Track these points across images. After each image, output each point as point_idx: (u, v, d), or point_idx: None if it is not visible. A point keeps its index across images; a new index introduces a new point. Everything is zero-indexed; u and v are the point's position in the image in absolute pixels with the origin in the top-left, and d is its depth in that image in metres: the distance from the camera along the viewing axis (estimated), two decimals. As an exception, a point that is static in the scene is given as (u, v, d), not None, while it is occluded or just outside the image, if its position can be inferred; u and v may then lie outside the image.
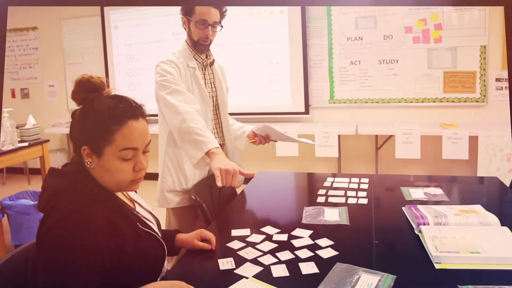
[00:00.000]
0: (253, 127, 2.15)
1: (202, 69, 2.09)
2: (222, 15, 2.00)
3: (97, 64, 5.22)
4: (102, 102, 1.14)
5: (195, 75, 2.03)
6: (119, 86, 5.09)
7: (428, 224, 1.48)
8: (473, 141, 3.62)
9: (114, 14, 5.05)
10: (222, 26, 2.03)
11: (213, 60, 2.12)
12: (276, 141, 2.15)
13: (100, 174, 1.15)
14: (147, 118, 1.21)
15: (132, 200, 1.31)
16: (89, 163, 1.14)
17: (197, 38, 2.00)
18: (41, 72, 5.64)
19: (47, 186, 1.13)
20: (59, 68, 5.52)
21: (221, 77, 2.15)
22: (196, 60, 2.06)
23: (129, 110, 1.15)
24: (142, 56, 5.03)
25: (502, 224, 1.45)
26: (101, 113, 1.12)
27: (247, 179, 2.23)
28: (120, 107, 1.14)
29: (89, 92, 1.15)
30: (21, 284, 1.24)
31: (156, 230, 1.29)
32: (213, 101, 2.10)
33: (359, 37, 4.28)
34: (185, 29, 2.05)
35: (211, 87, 2.11)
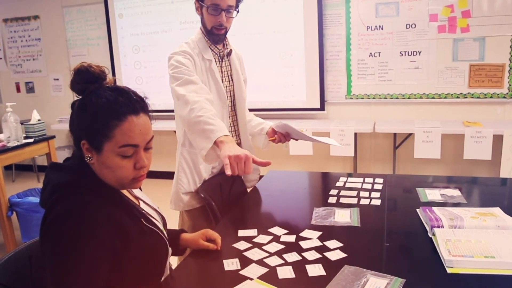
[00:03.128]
0: (273, 123, 2.13)
1: (219, 61, 2.05)
2: None
3: (102, 56, 5.32)
4: (101, 95, 1.13)
5: (211, 68, 2.00)
6: (126, 80, 5.18)
7: (443, 226, 1.52)
8: (497, 140, 3.61)
9: (118, 1, 5.13)
10: (238, 11, 1.96)
11: (231, 50, 2.08)
12: (297, 139, 2.10)
13: (101, 170, 1.16)
14: (150, 113, 1.21)
15: (137, 198, 1.35)
16: (88, 158, 1.15)
17: (210, 26, 1.94)
18: (45, 65, 5.77)
19: (48, 181, 1.16)
20: (63, 60, 5.64)
21: (239, 69, 2.12)
22: (212, 50, 2.02)
23: (129, 104, 1.14)
24: (149, 47, 5.11)
25: (521, 228, 1.48)
26: (100, 107, 1.12)
27: (261, 177, 2.28)
28: (119, 101, 1.13)
29: (88, 83, 1.15)
30: (25, 281, 1.29)
31: (161, 227, 1.33)
32: (230, 96, 2.09)
33: (380, 26, 4.27)
34: (199, 15, 2.00)
35: (229, 80, 2.09)
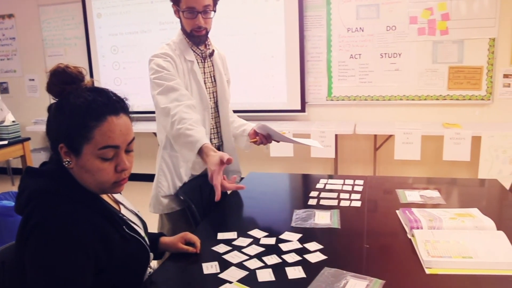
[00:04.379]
0: (254, 125, 2.13)
1: (201, 62, 2.04)
2: None
3: (80, 56, 5.25)
4: (79, 96, 1.11)
5: (193, 69, 1.99)
6: (104, 81, 5.12)
7: (422, 228, 1.54)
8: (476, 141, 3.69)
9: (96, 0, 5.06)
10: (215, 11, 1.95)
11: (213, 50, 2.07)
12: (278, 141, 2.08)
13: (80, 174, 1.13)
14: (131, 114, 1.19)
15: (117, 202, 1.33)
16: (67, 162, 1.12)
17: (189, 29, 1.94)
18: (20, 65, 5.66)
19: (25, 187, 1.13)
20: (39, 61, 5.54)
21: (222, 69, 2.11)
22: (194, 51, 2.01)
23: (109, 104, 1.12)
24: (127, 47, 5.06)
25: (499, 228, 1.51)
26: (78, 107, 1.09)
27: (241, 179, 2.28)
28: (98, 101, 1.11)
29: (65, 84, 1.13)
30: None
31: (143, 234, 1.32)
32: (213, 97, 2.09)
33: (360, 28, 4.32)
34: (177, 18, 1.99)
35: (211, 81, 2.08)
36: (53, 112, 1.14)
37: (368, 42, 4.32)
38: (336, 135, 4.06)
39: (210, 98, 2.07)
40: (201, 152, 1.71)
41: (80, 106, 1.10)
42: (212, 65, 2.09)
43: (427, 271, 1.29)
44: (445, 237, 1.45)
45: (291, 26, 4.47)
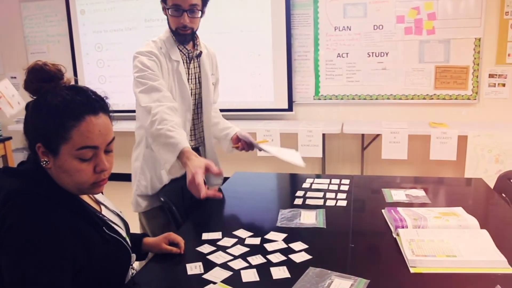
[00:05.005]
0: (238, 130, 2.12)
1: (187, 62, 2.01)
2: None
3: (63, 53, 5.19)
4: (57, 94, 1.09)
5: (178, 70, 1.96)
6: (88, 79, 5.08)
7: (407, 227, 1.55)
8: (462, 141, 3.73)
9: (79, -4, 5.01)
10: (203, 12, 1.91)
11: (201, 52, 2.04)
12: (261, 150, 2.03)
13: (58, 174, 1.11)
14: (112, 113, 1.17)
15: (98, 202, 1.31)
16: (45, 162, 1.11)
17: (174, 27, 1.91)
18: (1, 62, 5.58)
19: (0, 187, 1.10)
20: (21, 58, 5.46)
21: (209, 71, 2.08)
22: (181, 51, 1.98)
23: (88, 104, 1.10)
24: (112, 45, 5.02)
25: (482, 227, 1.53)
26: (55, 107, 1.07)
27: (225, 179, 2.28)
28: (77, 100, 1.09)
29: (43, 82, 1.11)
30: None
31: (124, 234, 1.31)
32: (195, 99, 2.07)
33: (348, 27, 4.34)
34: (165, 15, 1.95)
35: (195, 83, 2.06)
36: (30, 110, 1.13)
37: (356, 41, 4.34)
38: (323, 135, 4.08)
39: (193, 99, 2.05)
40: (181, 155, 1.66)
41: (58, 105, 1.08)
42: (199, 66, 2.06)
43: (412, 270, 1.30)
44: (430, 236, 1.47)
45: (278, 24, 4.47)
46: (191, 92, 2.03)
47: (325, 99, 4.52)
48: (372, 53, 4.31)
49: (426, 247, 1.40)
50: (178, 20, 1.88)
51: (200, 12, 1.90)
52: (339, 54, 4.41)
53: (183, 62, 1.99)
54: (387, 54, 4.28)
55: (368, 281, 1.23)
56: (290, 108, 4.58)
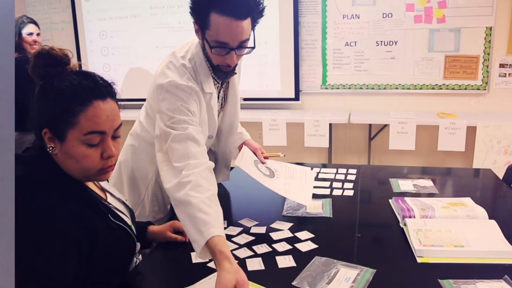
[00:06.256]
0: (247, 139, 2.02)
1: (217, 89, 1.70)
2: (255, 23, 1.49)
3: (67, 41, 5.18)
4: (64, 79, 1.09)
5: (210, 104, 1.63)
6: (93, 67, 5.07)
7: (414, 217, 1.56)
8: (471, 131, 3.71)
9: (84, -17, 5.00)
10: (253, 48, 1.50)
11: (235, 73, 1.65)
12: (263, 163, 1.97)
13: (64, 161, 1.11)
14: (119, 101, 1.17)
15: (103, 190, 1.32)
16: (51, 148, 1.10)
17: (215, 63, 1.54)
18: (4, 49, 5.60)
19: None
20: (25, 45, 5.47)
21: (238, 90, 1.81)
22: (214, 79, 1.64)
23: (95, 88, 1.10)
24: (117, 33, 5.00)
25: (491, 217, 1.53)
26: (62, 91, 1.08)
27: (231, 167, 2.27)
28: (84, 85, 1.09)
29: (49, 67, 1.11)
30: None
31: (129, 222, 1.32)
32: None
33: (356, 15, 4.29)
34: (198, 39, 1.56)
35: (221, 105, 1.79)
36: (37, 96, 1.12)
37: (364, 30, 4.30)
38: (330, 124, 4.06)
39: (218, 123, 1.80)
40: (212, 243, 1.21)
41: (65, 90, 1.08)
42: (228, 87, 1.77)
43: (419, 260, 1.31)
44: (437, 226, 1.47)
45: (285, 12, 4.43)
46: (219, 118, 1.76)
47: (332, 89, 4.49)
48: (381, 41, 4.27)
49: (434, 237, 1.40)
50: (222, 59, 1.50)
51: (249, 49, 1.51)
52: (347, 42, 4.37)
53: (216, 93, 1.67)
54: (396, 43, 4.24)
55: (375, 270, 1.24)
56: (296, 98, 4.56)
